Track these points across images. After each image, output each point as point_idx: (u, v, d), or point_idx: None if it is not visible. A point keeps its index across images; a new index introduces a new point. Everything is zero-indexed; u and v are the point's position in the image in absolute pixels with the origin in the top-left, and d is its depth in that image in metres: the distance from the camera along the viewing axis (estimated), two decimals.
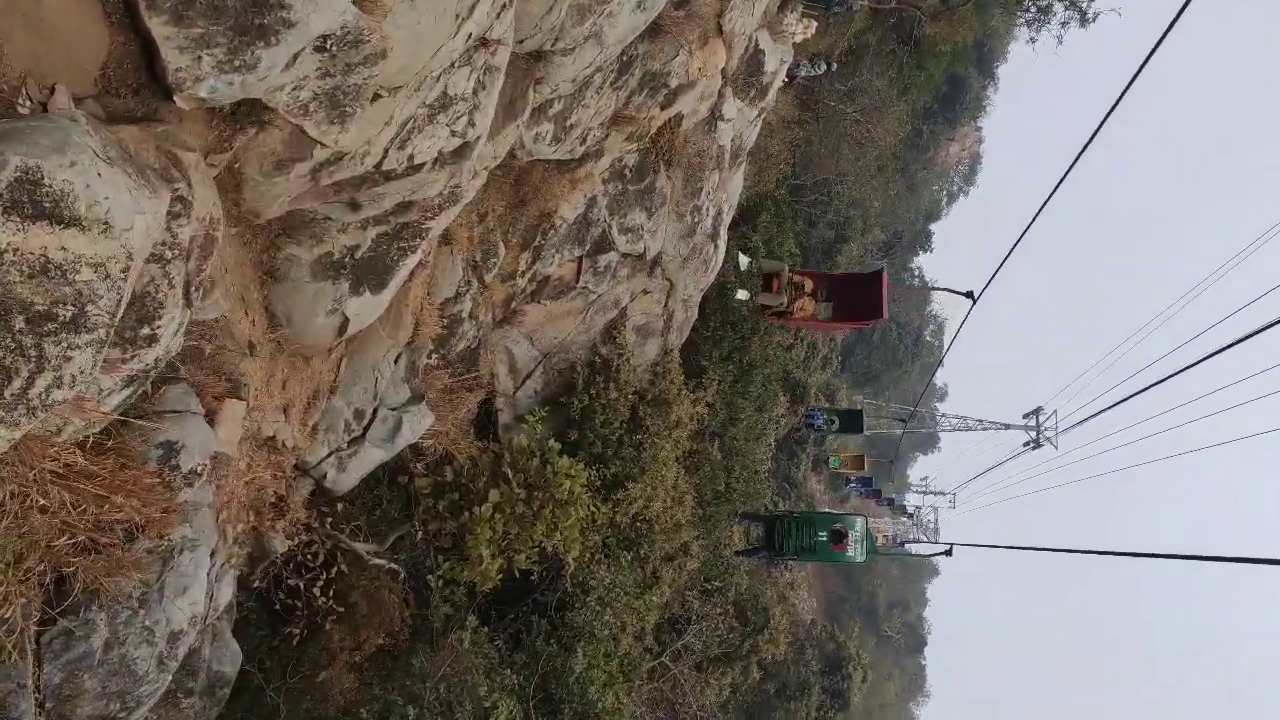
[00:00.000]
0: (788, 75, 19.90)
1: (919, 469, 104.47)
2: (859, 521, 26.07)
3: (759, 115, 17.25)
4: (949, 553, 31.13)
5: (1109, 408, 29.66)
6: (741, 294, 15.00)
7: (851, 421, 38.55)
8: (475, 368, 13.80)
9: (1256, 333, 9.51)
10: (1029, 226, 13.03)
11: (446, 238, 10.03)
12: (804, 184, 40.58)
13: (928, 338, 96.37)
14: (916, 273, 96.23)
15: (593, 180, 13.43)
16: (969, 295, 20.13)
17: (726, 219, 17.72)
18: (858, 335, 77.58)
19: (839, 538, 24.63)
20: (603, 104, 11.84)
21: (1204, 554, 8.31)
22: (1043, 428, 67.70)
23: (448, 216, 8.81)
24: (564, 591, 13.11)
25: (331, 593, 9.40)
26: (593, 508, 12.40)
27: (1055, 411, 68.06)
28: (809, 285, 19.93)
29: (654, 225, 14.69)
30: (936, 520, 75.80)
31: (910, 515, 76.29)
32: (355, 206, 7.69)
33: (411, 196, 8.05)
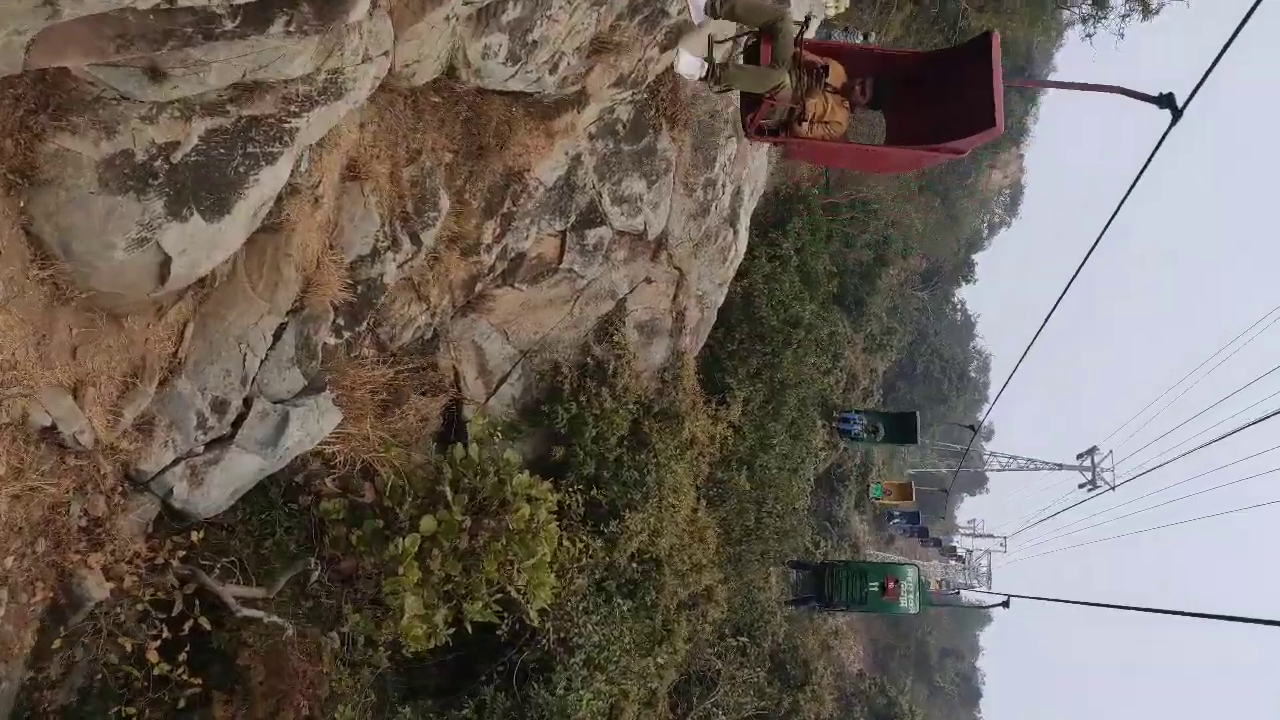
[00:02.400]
0: None
1: (966, 510, 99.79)
2: (911, 571, 24.92)
3: None
4: (1006, 604, 29.10)
5: (1173, 460, 26.80)
6: (685, 60, 5.95)
7: (901, 428, 30.62)
8: (434, 366, 11.18)
9: None
10: (1070, 283, 10.86)
11: (355, 171, 7.46)
12: (839, 202, 38.03)
13: (973, 374, 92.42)
14: (959, 306, 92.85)
15: (576, 134, 10.86)
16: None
17: (749, 203, 15.04)
18: (899, 370, 74.21)
19: (891, 587, 23.36)
20: (579, 21, 9.26)
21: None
22: (1099, 468, 63.68)
23: (327, 120, 6.24)
24: (543, 651, 10.32)
25: (183, 658, 6.68)
26: (572, 541, 9.67)
27: (1111, 452, 64.05)
28: (837, 73, 8.70)
29: (655, 197, 12.06)
30: (990, 565, 71.72)
31: (961, 559, 72.30)
32: (159, 77, 5.13)
33: (257, 74, 5.48)
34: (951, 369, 79.87)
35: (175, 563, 6.64)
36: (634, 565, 12.05)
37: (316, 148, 6.68)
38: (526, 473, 8.24)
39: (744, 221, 14.75)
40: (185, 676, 6.75)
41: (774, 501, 20.45)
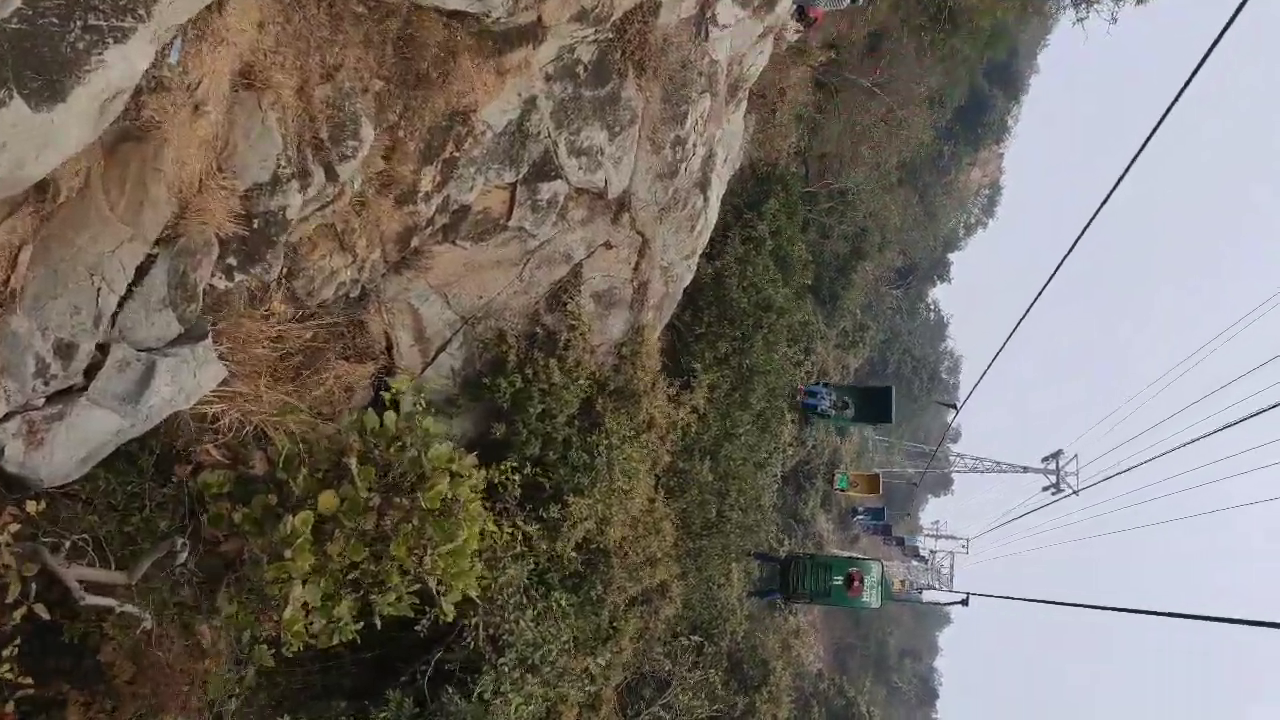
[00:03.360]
0: (801, 7, 16.18)
1: (931, 511, 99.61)
2: (875, 566, 25.35)
3: (766, 36, 13.54)
4: (965, 602, 29.34)
5: (1137, 465, 26.66)
6: None
7: (874, 405, 27.73)
8: (362, 329, 9.99)
9: None
10: (1043, 289, 11.96)
11: (251, 79, 6.26)
12: (817, 191, 37.10)
13: (944, 375, 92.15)
14: (933, 306, 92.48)
15: (530, 73, 9.71)
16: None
17: (722, 170, 13.94)
18: (870, 367, 73.51)
19: (855, 582, 23.84)
20: None
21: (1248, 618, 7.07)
22: (1063, 472, 63.60)
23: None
24: (470, 650, 9.19)
25: (9, 653, 5.47)
26: (502, 527, 8.56)
27: (1076, 456, 63.96)
28: None
29: (618, 151, 10.93)
30: (952, 567, 71.43)
31: (924, 560, 71.97)
32: None
33: None
34: (923, 368, 79.31)
35: (5, 537, 5.43)
36: (578, 556, 10.94)
37: (194, 38, 5.49)
38: (450, 445, 7.10)
39: (716, 189, 13.65)
40: (13, 676, 5.56)
41: (737, 494, 19.39)
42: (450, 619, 7.11)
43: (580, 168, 10.54)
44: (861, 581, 24.01)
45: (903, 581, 55.60)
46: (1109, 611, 11.06)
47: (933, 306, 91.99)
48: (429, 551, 6.70)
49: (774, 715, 24.97)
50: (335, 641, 7.38)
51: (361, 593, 7.23)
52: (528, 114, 9.87)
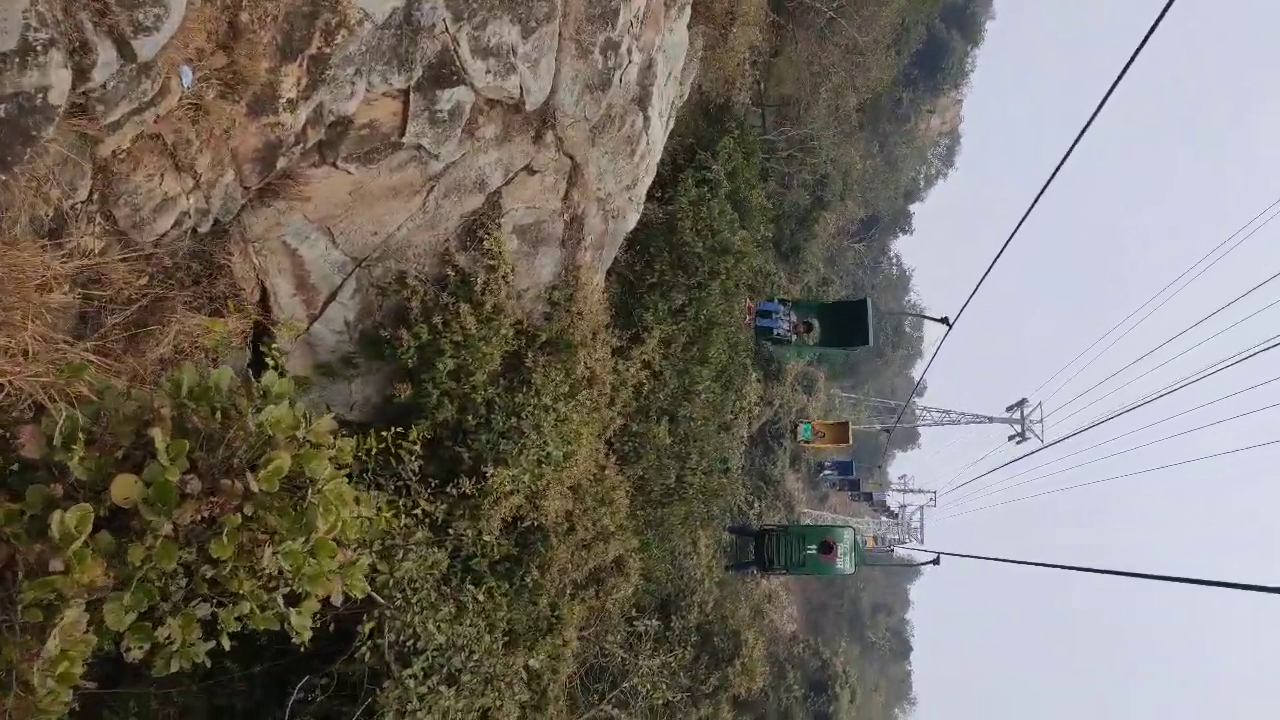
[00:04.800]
0: None
1: (898, 466, 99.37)
2: (848, 533, 25.11)
3: None
4: (937, 561, 28.92)
5: (1100, 422, 25.82)
6: None
7: (846, 325, 20.43)
8: (224, 274, 8.13)
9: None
10: (1009, 240, 11.60)
11: None
12: (775, 140, 35.41)
13: (907, 329, 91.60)
14: (895, 260, 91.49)
15: None
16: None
17: (664, 86, 12.14)
18: None
19: (828, 550, 23.65)
20: None
21: (1199, 578, 7.14)
22: (1028, 420, 63.34)
23: None
24: (369, 662, 7.47)
25: None
26: (401, 510, 6.85)
27: (1041, 404, 63.84)
28: None
29: (535, 52, 9.09)
30: (922, 521, 71.07)
31: (894, 515, 71.57)
32: None
33: None
34: (887, 323, 78.37)
35: None
36: (508, 539, 9.25)
37: None
38: (297, 407, 5.33)
39: (658, 107, 11.84)
40: None
41: (699, 457, 17.80)
42: (305, 638, 5.39)
43: (489, 71, 8.70)
44: (835, 548, 23.86)
45: (875, 537, 54.82)
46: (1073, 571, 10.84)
47: (895, 260, 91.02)
48: (270, 549, 4.97)
49: (748, 687, 23.72)
50: (175, 669, 5.66)
51: (198, 602, 5.49)
52: (417, 1, 8.01)
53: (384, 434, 7.14)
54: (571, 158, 10.26)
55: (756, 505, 39.95)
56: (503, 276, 9.62)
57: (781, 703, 33.82)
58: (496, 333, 9.33)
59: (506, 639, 9.42)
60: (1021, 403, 63.61)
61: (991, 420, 66.74)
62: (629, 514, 14.61)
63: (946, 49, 63.06)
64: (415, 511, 7.83)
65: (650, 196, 16.78)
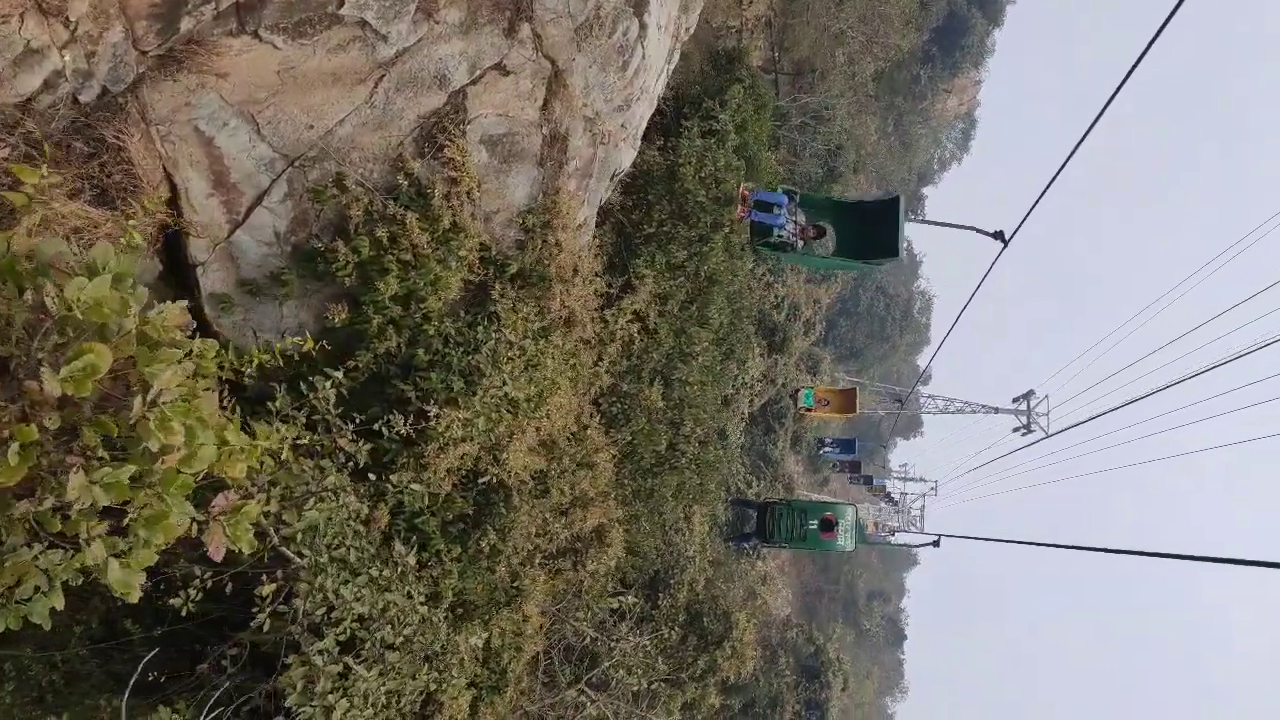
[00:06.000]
0: None
1: (900, 454, 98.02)
2: (849, 510, 25.19)
3: None
4: (936, 544, 28.38)
5: (1108, 412, 24.56)
6: None
7: (871, 231, 15.43)
8: (119, 159, 6.74)
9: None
10: (1022, 221, 11.40)
11: None
12: (788, 108, 33.86)
13: (916, 314, 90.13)
14: (906, 244, 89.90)
15: None
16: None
17: None
18: (841, 305, 70.72)
19: (829, 526, 23.83)
20: None
21: (1198, 554, 6.85)
22: (1034, 412, 62.08)
23: None
24: (276, 631, 6.16)
25: None
26: (322, 447, 5.52)
27: (1048, 396, 62.74)
28: None
29: None
30: (923, 510, 69.90)
31: (895, 501, 70.37)
32: None
33: None
34: (896, 306, 76.87)
35: None
36: (463, 497, 7.92)
37: None
38: (140, 289, 3.97)
39: (657, 18, 10.40)
40: None
41: (694, 424, 16.45)
42: (129, 596, 4.07)
43: None
44: (836, 525, 23.89)
45: (875, 523, 53.54)
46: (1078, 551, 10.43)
47: (907, 244, 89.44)
48: (79, 474, 3.64)
49: (737, 671, 22.49)
50: (14, 625, 4.36)
51: (69, 555, 4.19)
52: None
53: (276, 346, 5.75)
54: (553, 61, 8.84)
55: (755, 485, 38.68)
56: (466, 192, 8.24)
57: (772, 687, 32.64)
58: (454, 254, 7.96)
59: (459, 611, 8.11)
60: (1029, 394, 62.40)
61: (997, 410, 65.50)
62: (615, 482, 13.31)
63: (967, 26, 61.16)
64: (334, 453, 6.51)
65: (651, 142, 15.36)
